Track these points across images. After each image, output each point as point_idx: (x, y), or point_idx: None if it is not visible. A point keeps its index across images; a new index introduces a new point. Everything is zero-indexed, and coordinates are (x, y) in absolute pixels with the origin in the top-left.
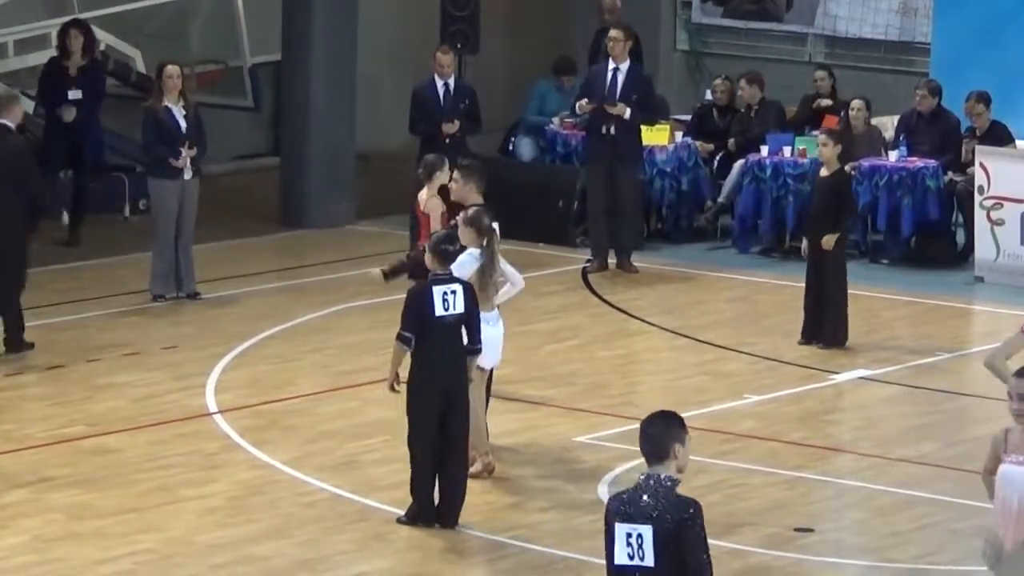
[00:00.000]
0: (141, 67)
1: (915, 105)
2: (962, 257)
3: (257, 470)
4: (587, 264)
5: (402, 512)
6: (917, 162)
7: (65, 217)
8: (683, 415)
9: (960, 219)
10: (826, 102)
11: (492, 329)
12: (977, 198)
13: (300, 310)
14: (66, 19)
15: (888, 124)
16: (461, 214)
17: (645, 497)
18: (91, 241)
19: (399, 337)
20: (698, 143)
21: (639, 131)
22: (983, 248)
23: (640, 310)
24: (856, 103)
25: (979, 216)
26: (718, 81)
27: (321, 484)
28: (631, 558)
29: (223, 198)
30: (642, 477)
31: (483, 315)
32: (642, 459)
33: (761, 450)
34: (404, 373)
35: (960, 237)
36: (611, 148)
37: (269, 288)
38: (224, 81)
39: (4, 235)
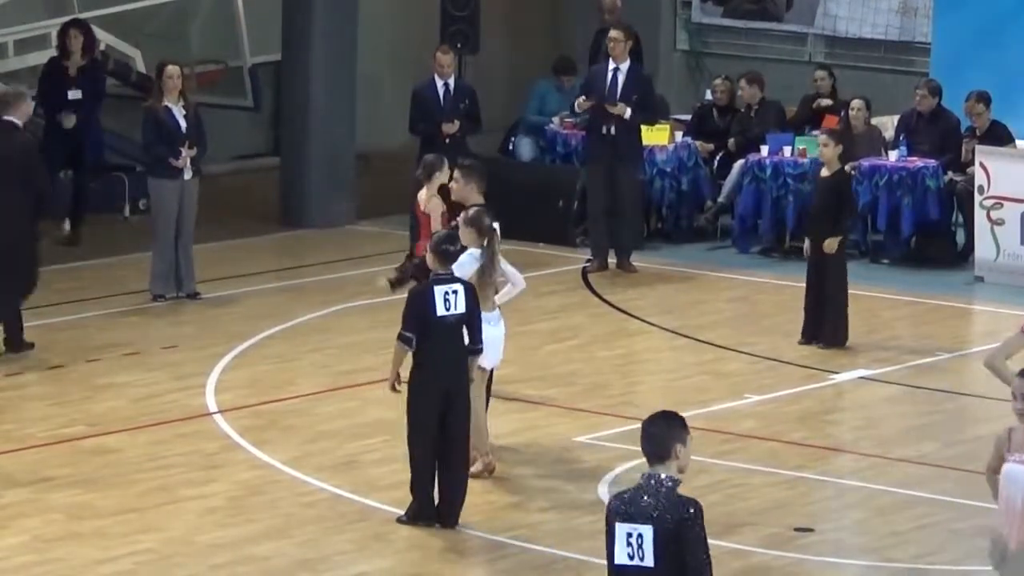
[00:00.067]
0: (141, 67)
1: (915, 105)
2: (962, 257)
3: (257, 470)
4: (587, 264)
5: (402, 512)
6: (917, 162)
7: (67, 225)
8: (683, 415)
9: (960, 219)
10: (826, 102)
11: (493, 329)
12: (977, 198)
13: (300, 310)
14: (66, 19)
15: (888, 124)
16: (462, 214)
17: (646, 497)
18: (91, 241)
19: (400, 337)
20: (698, 143)
21: (639, 131)
22: (983, 248)
23: (640, 310)
24: (856, 103)
25: (979, 216)
26: (718, 81)
27: (321, 484)
28: (631, 558)
29: (223, 198)
30: (643, 477)
31: (484, 315)
32: (642, 459)
33: (761, 450)
34: (404, 373)
35: (960, 237)
36: (611, 148)
37: (269, 288)
38: (224, 81)
39: (11, 232)
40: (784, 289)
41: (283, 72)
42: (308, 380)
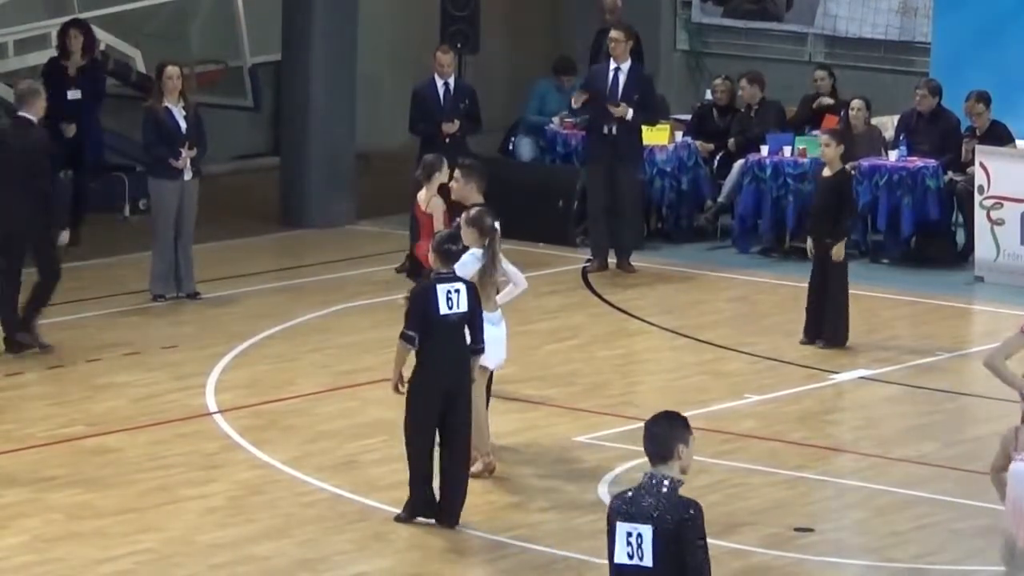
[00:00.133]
0: (141, 67)
1: (915, 105)
2: (962, 257)
3: (257, 470)
4: (587, 264)
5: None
6: (917, 162)
7: (65, 236)
8: (684, 415)
9: (960, 219)
10: (827, 100)
11: (495, 329)
12: (977, 198)
13: (300, 310)
14: (66, 19)
15: (888, 124)
16: (463, 214)
17: (647, 497)
18: (91, 241)
19: (403, 336)
20: (698, 143)
21: (640, 131)
22: (983, 248)
23: (640, 310)
24: (856, 103)
25: (979, 216)
26: (718, 81)
27: (321, 484)
28: (630, 557)
29: (223, 198)
30: (645, 477)
31: (486, 315)
32: (642, 459)
33: (761, 450)
34: (406, 373)
35: (960, 237)
36: (612, 148)
37: (269, 288)
38: (224, 81)
39: (24, 224)
40: (784, 289)
41: (283, 72)
42: (308, 380)
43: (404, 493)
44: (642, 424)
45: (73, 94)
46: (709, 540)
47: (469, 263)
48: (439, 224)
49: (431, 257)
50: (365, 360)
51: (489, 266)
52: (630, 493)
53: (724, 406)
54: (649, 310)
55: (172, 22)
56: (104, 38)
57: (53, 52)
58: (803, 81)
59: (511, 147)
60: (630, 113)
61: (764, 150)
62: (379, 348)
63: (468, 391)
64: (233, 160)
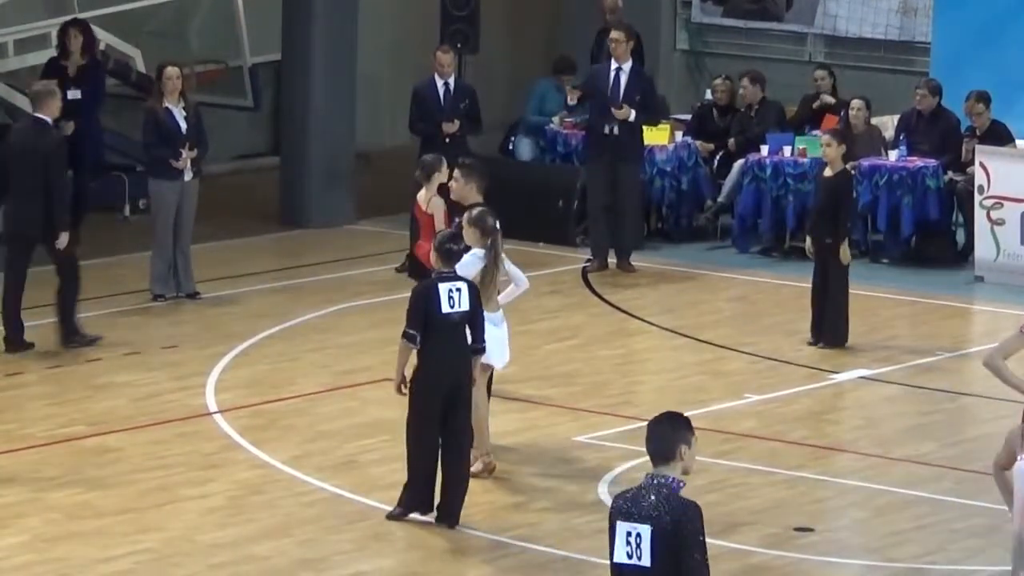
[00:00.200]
0: (141, 67)
1: (915, 105)
2: (962, 257)
3: (257, 470)
4: (587, 264)
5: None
6: (917, 162)
7: (63, 239)
8: (686, 416)
9: (960, 219)
10: (829, 99)
11: (497, 329)
12: (977, 198)
13: (300, 310)
14: (66, 19)
15: (888, 124)
16: (465, 214)
17: (647, 497)
18: (91, 241)
19: (405, 335)
20: (698, 143)
21: (641, 131)
22: (983, 248)
23: (640, 310)
24: (856, 103)
25: (979, 216)
26: (718, 81)
27: (321, 484)
28: (629, 557)
29: (223, 198)
30: (647, 477)
31: (488, 315)
32: (643, 458)
33: (761, 450)
34: (407, 373)
35: (960, 237)
36: (613, 147)
37: (269, 288)
38: (224, 81)
39: (47, 227)
40: (784, 289)
41: (283, 72)
42: (308, 380)
43: None
44: (642, 424)
45: (73, 94)
46: (709, 540)
47: (471, 263)
48: (440, 224)
49: (432, 256)
50: (365, 360)
51: (491, 266)
52: (631, 492)
53: (724, 406)
54: (649, 310)
55: (172, 22)
56: (104, 38)
57: (53, 52)
58: (803, 81)
59: (511, 147)
60: (633, 114)
61: (764, 150)
62: (379, 348)
63: (469, 391)
64: (233, 160)
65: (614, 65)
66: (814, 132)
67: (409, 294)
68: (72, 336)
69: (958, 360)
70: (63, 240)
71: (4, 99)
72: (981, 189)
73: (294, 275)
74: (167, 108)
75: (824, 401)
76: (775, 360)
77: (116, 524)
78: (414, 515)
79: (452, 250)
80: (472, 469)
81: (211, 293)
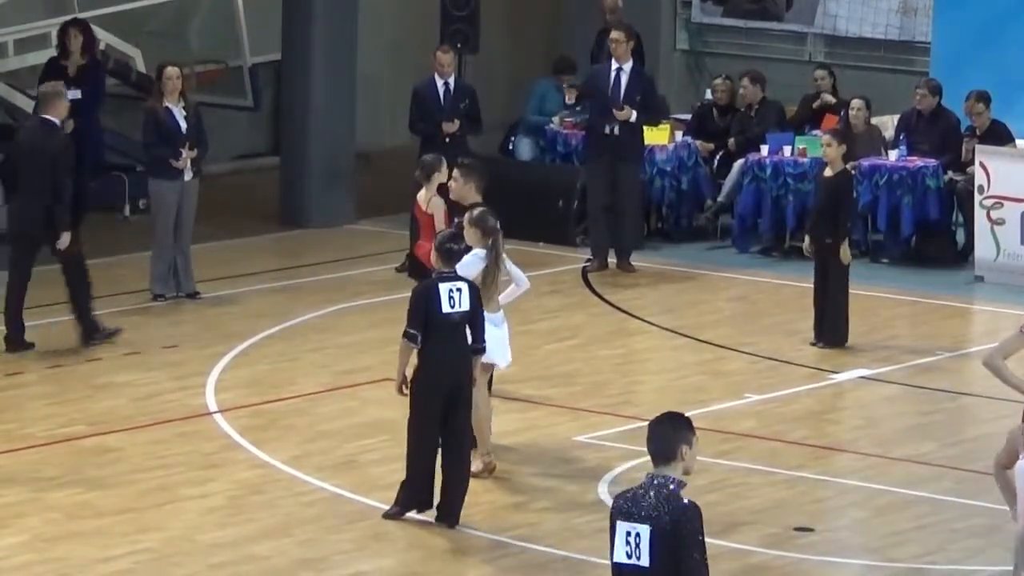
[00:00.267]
0: (141, 66)
1: (915, 104)
2: (962, 256)
3: (257, 469)
4: (587, 264)
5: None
6: (917, 161)
7: (64, 240)
8: (687, 416)
9: (960, 218)
10: (829, 98)
11: (498, 330)
12: (977, 197)
13: (300, 309)
14: (66, 18)
15: (888, 123)
16: (466, 214)
17: (647, 497)
18: (91, 241)
19: (405, 335)
20: (698, 142)
21: (641, 131)
22: (983, 248)
23: (640, 309)
24: (856, 102)
25: (979, 215)
26: (718, 81)
27: (321, 483)
28: (629, 557)
29: (223, 198)
30: (647, 477)
31: (489, 316)
32: (642, 458)
33: (761, 450)
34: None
35: (960, 237)
36: (613, 147)
37: (269, 287)
38: (224, 81)
39: (50, 228)
40: (784, 288)
41: (283, 72)
42: (308, 380)
43: None
44: (642, 424)
45: (73, 94)
46: (709, 540)
47: (473, 264)
48: (440, 224)
49: (433, 256)
50: (365, 360)
51: (492, 267)
52: (632, 492)
53: (724, 406)
54: (649, 310)
55: (172, 22)
56: (104, 38)
57: (53, 52)
58: (803, 81)
59: (511, 147)
60: (634, 115)
61: (764, 150)
62: (379, 348)
63: (469, 391)
64: (233, 160)
65: (614, 65)
66: (814, 132)
67: (409, 294)
68: (92, 334)
69: (958, 360)
70: (64, 240)
71: (4, 99)
72: (981, 189)
73: (294, 275)
74: (167, 108)
75: (824, 401)
76: (775, 360)
77: (116, 524)
78: (411, 513)
79: (453, 250)
80: (472, 468)
81: (211, 293)
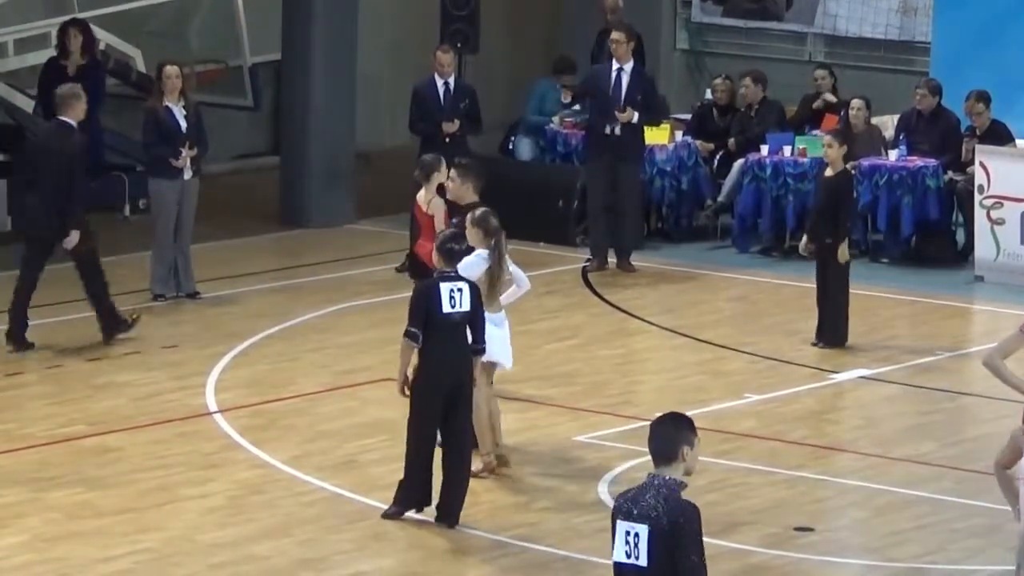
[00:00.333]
0: (141, 66)
1: (915, 104)
2: (962, 256)
3: (257, 469)
4: (587, 264)
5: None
6: (917, 161)
7: (75, 237)
8: (689, 416)
9: (960, 218)
10: (830, 98)
11: (499, 330)
12: (977, 197)
13: (300, 309)
14: (66, 18)
15: (888, 123)
16: (469, 215)
17: (647, 497)
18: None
19: (407, 334)
20: (698, 142)
21: (642, 131)
22: (983, 247)
23: (640, 309)
24: (856, 102)
25: (979, 215)
26: (718, 80)
27: (321, 483)
28: (628, 556)
29: (223, 197)
30: (648, 477)
31: (491, 316)
32: (642, 458)
33: (761, 449)
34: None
35: (960, 236)
36: (614, 147)
37: (269, 287)
38: (224, 80)
39: (55, 226)
40: (784, 288)
41: (283, 72)
42: (308, 380)
43: None
44: (642, 424)
45: None
46: (709, 540)
47: (476, 264)
48: (440, 225)
49: (434, 256)
50: (365, 360)
51: (496, 267)
52: (632, 492)
53: (724, 406)
54: (649, 310)
55: (172, 22)
56: (104, 37)
57: (53, 51)
58: (803, 81)
59: (511, 147)
60: (636, 117)
61: (764, 150)
62: (379, 348)
63: (469, 391)
64: (233, 160)
65: (615, 65)
66: (814, 132)
67: (410, 294)
68: (116, 328)
69: (958, 360)
70: (73, 238)
71: (4, 99)
72: (981, 189)
73: (294, 275)
74: (167, 107)
75: (824, 401)
76: (775, 360)
77: (116, 524)
78: (411, 513)
79: (454, 250)
80: (472, 468)
81: (211, 293)
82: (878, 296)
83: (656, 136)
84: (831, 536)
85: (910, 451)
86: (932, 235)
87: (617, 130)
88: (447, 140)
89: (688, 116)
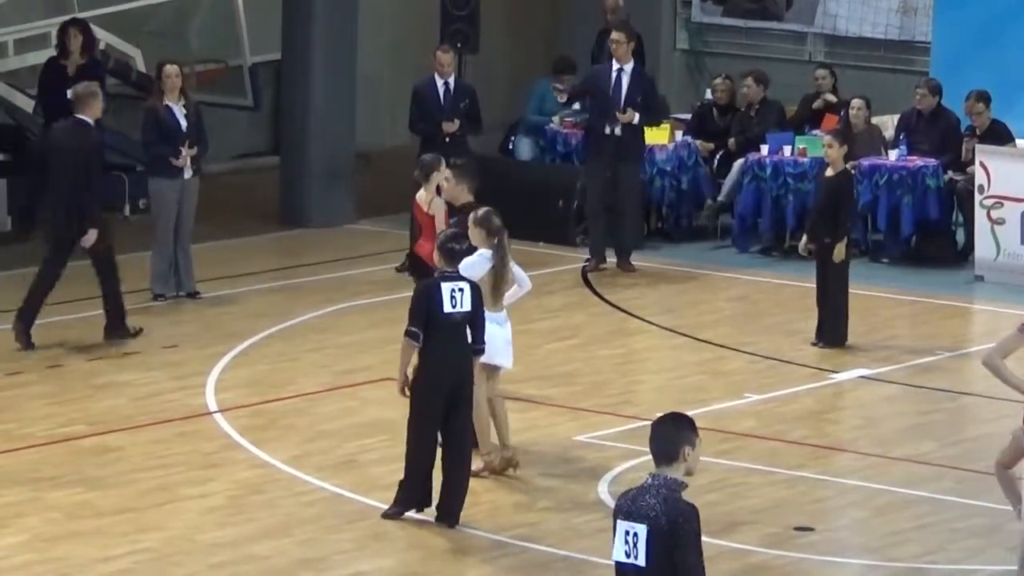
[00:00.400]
0: (141, 66)
1: (915, 104)
2: (962, 256)
3: (257, 469)
4: (586, 263)
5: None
6: (917, 161)
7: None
8: (691, 417)
9: (960, 218)
10: (831, 97)
11: (502, 329)
12: (977, 197)
13: (300, 309)
14: (66, 18)
15: (888, 123)
16: (471, 214)
17: (647, 497)
18: None
19: (407, 333)
20: (698, 142)
21: (642, 131)
22: (983, 247)
23: (640, 309)
24: (856, 102)
25: (979, 215)
26: (718, 80)
27: (321, 483)
28: (627, 556)
29: (223, 197)
30: (650, 477)
31: (494, 315)
32: (642, 458)
33: (761, 449)
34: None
35: (960, 236)
36: (614, 147)
37: (269, 287)
38: (224, 80)
39: (73, 223)
40: (784, 288)
41: (283, 72)
42: (308, 379)
43: None
44: (642, 423)
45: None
46: (709, 540)
47: (479, 264)
48: (441, 224)
49: (436, 256)
50: (365, 360)
51: (500, 266)
52: (633, 492)
53: (724, 405)
54: (649, 309)
55: (172, 22)
56: (104, 37)
57: (53, 51)
58: (803, 81)
59: (511, 147)
60: (637, 117)
61: (764, 149)
62: (379, 348)
63: (470, 391)
64: (233, 159)
65: (615, 66)
66: (814, 132)
67: (410, 293)
68: (117, 330)
69: (958, 360)
70: (91, 236)
71: (4, 99)
72: (981, 189)
73: (294, 275)
74: (167, 106)
75: (824, 401)
76: (775, 360)
77: (116, 524)
78: (411, 513)
79: (455, 250)
80: (472, 468)
81: (211, 293)
82: (878, 296)
83: (656, 136)
84: (831, 536)
85: (910, 451)
86: (932, 235)
87: (617, 130)
88: (447, 140)
89: (688, 116)
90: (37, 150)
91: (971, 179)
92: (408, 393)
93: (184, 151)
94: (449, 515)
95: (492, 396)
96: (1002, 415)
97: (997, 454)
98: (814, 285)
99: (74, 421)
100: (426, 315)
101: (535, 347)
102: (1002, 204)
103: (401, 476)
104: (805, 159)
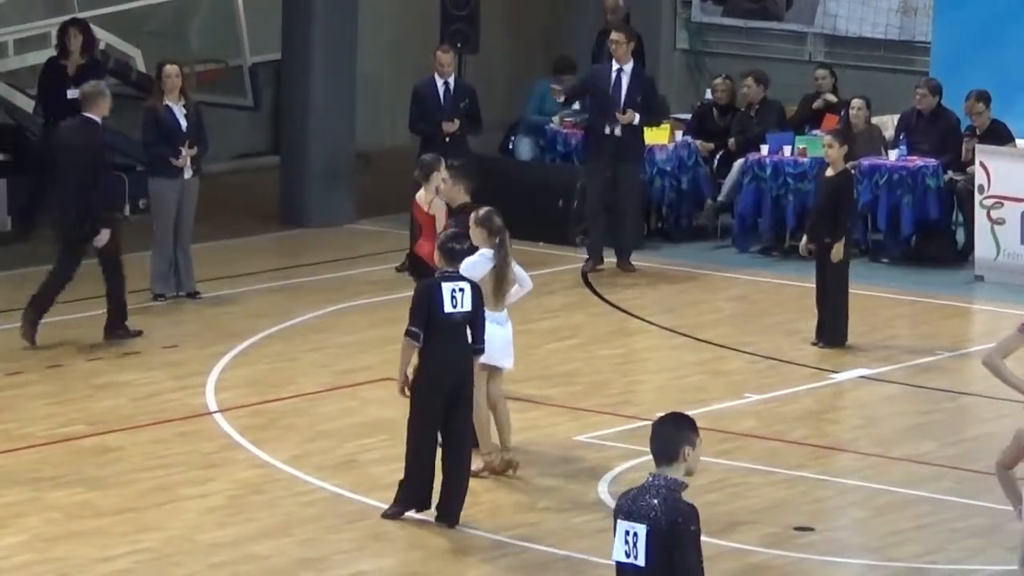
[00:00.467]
0: (141, 66)
1: (915, 104)
2: (962, 256)
3: (257, 469)
4: (586, 263)
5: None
6: (917, 161)
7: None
8: (691, 417)
9: (960, 218)
10: (831, 97)
11: (503, 329)
12: (977, 197)
13: (300, 309)
14: (66, 18)
15: (888, 123)
16: (473, 214)
17: (647, 497)
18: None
19: (408, 333)
20: (698, 142)
21: (642, 131)
22: (983, 247)
23: (640, 309)
24: (856, 102)
25: (979, 215)
26: (718, 80)
27: (321, 483)
28: (627, 556)
29: (223, 197)
30: (650, 477)
31: (495, 315)
32: (642, 458)
33: (761, 449)
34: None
35: (960, 236)
36: (614, 147)
37: (269, 287)
38: (224, 80)
39: (83, 221)
40: (784, 288)
41: (283, 72)
42: (308, 379)
43: None
44: (642, 423)
45: (72, 93)
46: (709, 539)
47: (480, 264)
48: (441, 224)
49: (436, 256)
50: (365, 360)
51: (502, 266)
52: (633, 492)
53: (724, 405)
54: (649, 309)
55: (172, 22)
56: (104, 37)
57: (53, 51)
58: (803, 80)
59: (511, 147)
60: (637, 118)
61: (764, 149)
62: (379, 348)
63: (470, 391)
64: (233, 159)
65: (615, 66)
66: (814, 132)
67: (410, 293)
68: (117, 329)
69: (958, 360)
70: (104, 237)
71: (4, 99)
72: (981, 189)
73: (294, 275)
74: (167, 106)
75: (824, 401)
76: (775, 360)
77: (116, 524)
78: (410, 513)
79: (455, 249)
80: (472, 468)
81: (211, 293)
82: (878, 296)
83: (656, 136)
84: (831, 536)
85: (910, 451)
86: (932, 235)
87: (617, 130)
88: (447, 140)
89: (688, 116)
90: (38, 150)
91: (971, 179)
92: (408, 393)
93: (184, 151)
94: (449, 515)
95: (495, 397)
96: (1002, 415)
97: (997, 454)
98: (814, 285)
99: (74, 421)
100: (426, 315)
101: (535, 347)
102: (1002, 204)
103: (401, 476)
104: (805, 159)
